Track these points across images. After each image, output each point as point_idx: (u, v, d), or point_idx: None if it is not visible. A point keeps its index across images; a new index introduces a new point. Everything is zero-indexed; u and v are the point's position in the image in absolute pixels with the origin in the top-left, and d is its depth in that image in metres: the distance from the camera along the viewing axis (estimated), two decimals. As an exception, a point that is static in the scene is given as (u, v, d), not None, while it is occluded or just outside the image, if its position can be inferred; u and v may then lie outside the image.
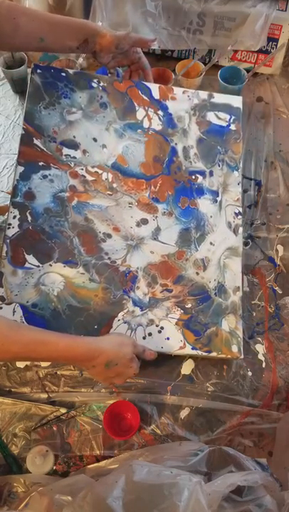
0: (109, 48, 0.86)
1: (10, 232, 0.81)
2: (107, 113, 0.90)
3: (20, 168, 0.84)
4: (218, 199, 0.89)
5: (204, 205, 0.88)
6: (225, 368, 0.83)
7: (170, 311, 0.80)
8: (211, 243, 0.86)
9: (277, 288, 0.90)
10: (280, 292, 0.90)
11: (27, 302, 0.78)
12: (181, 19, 1.13)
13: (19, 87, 1.16)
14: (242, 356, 0.79)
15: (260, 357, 0.84)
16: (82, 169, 0.87)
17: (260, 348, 0.85)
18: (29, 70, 1.15)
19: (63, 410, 0.79)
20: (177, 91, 0.95)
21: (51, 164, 0.85)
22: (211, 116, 0.94)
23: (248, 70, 1.13)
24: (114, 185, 0.87)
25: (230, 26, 1.12)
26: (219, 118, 0.95)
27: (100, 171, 0.87)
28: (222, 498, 0.58)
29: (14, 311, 0.77)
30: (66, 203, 0.84)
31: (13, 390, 0.82)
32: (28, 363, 0.83)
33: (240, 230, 0.88)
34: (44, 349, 0.64)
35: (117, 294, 0.80)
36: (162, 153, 0.90)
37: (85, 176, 0.86)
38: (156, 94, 0.93)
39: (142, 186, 0.87)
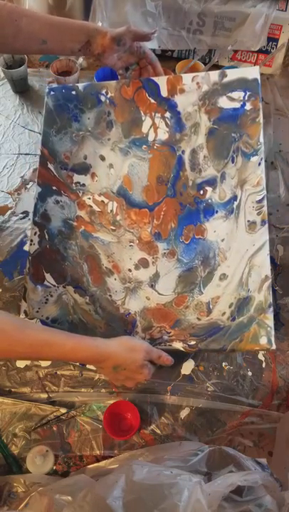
0: (111, 46, 0.85)
1: (32, 249, 0.84)
2: (112, 133, 0.89)
3: (39, 189, 0.87)
4: (236, 203, 0.80)
5: (214, 227, 0.80)
6: (225, 367, 0.83)
7: (170, 343, 0.77)
8: (221, 277, 0.77)
9: (277, 288, 0.90)
10: (280, 292, 0.90)
11: (47, 319, 0.80)
12: (181, 19, 1.13)
13: (19, 87, 1.16)
14: (274, 347, 0.72)
15: (260, 357, 0.84)
16: (89, 198, 0.87)
17: (260, 348, 0.85)
18: (29, 71, 1.16)
19: (63, 410, 0.80)
20: (186, 80, 0.88)
21: (62, 191, 0.87)
22: (222, 102, 0.84)
23: (248, 70, 1.13)
24: (118, 217, 0.85)
25: (230, 26, 1.12)
26: (232, 99, 0.84)
27: (106, 200, 0.86)
28: (222, 498, 0.58)
29: None
30: (75, 229, 0.85)
31: (13, 390, 0.82)
32: (28, 362, 0.84)
33: (266, 215, 0.77)
34: (49, 350, 0.63)
35: (118, 332, 0.79)
36: (167, 171, 0.85)
37: (91, 206, 0.86)
38: (164, 91, 0.88)
39: (144, 219, 0.84)
